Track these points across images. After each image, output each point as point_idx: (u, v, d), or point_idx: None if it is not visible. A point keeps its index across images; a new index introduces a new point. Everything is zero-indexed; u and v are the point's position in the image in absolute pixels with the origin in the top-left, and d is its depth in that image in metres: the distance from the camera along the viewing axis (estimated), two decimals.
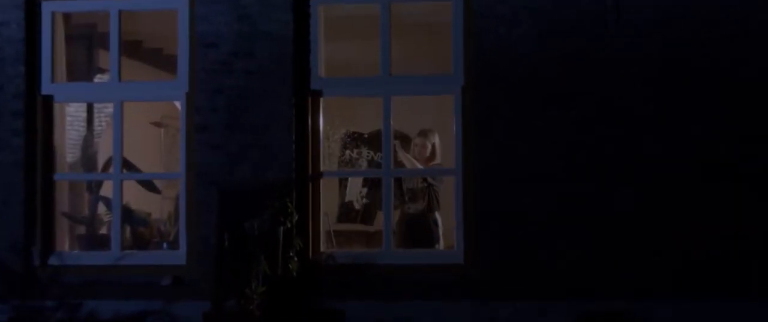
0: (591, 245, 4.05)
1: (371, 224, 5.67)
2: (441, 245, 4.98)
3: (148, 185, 5.35)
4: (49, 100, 4.44)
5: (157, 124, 6.86)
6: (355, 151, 6.07)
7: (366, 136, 6.12)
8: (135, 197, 5.16)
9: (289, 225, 4.02)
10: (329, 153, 6.67)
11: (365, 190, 5.62)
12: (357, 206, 5.59)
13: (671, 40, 4.06)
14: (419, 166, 4.95)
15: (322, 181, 4.36)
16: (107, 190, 4.84)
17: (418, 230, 4.94)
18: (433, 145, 5.01)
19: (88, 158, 5.34)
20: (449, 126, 4.31)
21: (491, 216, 4.09)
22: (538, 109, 4.10)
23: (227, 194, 4.18)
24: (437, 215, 5.03)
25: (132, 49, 5.73)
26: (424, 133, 5.03)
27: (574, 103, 4.11)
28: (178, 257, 4.33)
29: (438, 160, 5.04)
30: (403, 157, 4.97)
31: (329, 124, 6.43)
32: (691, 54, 4.05)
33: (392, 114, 4.30)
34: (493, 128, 4.12)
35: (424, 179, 4.92)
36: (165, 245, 4.90)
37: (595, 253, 4.04)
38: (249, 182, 4.17)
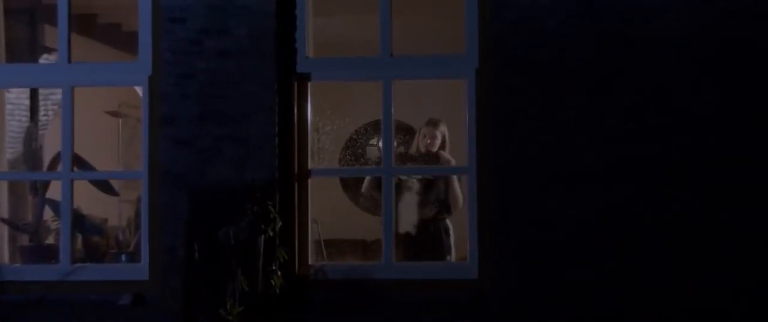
0: (632, 259, 4.00)
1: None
2: (452, 256, 4.93)
3: (104, 185, 5.29)
4: None
5: (115, 114, 6.82)
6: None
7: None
8: (88, 200, 5.11)
9: (271, 233, 3.98)
10: (319, 148, 6.65)
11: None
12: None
13: (729, 13, 3.99)
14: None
15: (310, 181, 4.30)
16: (55, 192, 4.77)
17: (425, 240, 4.90)
18: (444, 137, 5.00)
19: (31, 154, 5.30)
20: (461, 116, 4.26)
21: (511, 223, 4.06)
22: (568, 97, 4.05)
23: (198, 196, 4.14)
24: (448, 222, 4.98)
25: (84, 24, 5.69)
26: (433, 123, 5.03)
27: (611, 90, 4.05)
28: (140, 271, 4.28)
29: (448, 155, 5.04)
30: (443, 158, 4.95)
31: (319, 114, 6.38)
32: (753, 30, 3.97)
33: (394, 102, 4.24)
34: (513, 119, 4.09)
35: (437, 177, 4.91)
36: (124, 257, 4.83)
37: (637, 269, 4.01)
38: (224, 182, 4.13)
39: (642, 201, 3.99)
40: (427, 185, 4.95)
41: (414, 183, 4.97)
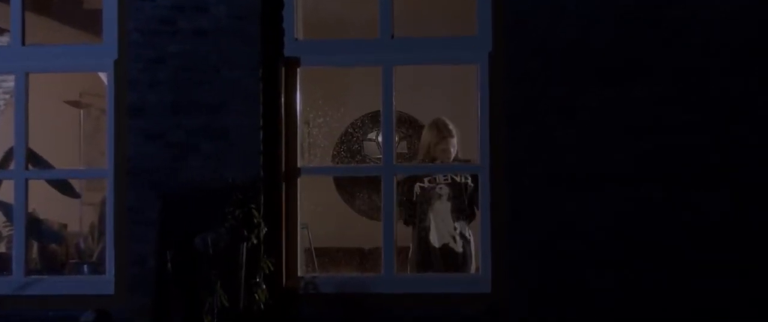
0: (662, 268, 4.00)
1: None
2: (472, 268, 4.95)
3: (63, 186, 5.30)
4: None
5: (75, 105, 6.83)
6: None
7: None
8: (45, 202, 5.11)
9: (254, 241, 3.99)
10: (310, 143, 6.66)
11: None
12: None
13: None
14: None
15: (299, 180, 4.30)
16: (7, 193, 4.76)
17: (443, 250, 4.89)
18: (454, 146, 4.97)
19: None
20: (471, 107, 4.25)
21: (528, 229, 4.05)
22: (592, 86, 4.06)
23: (171, 198, 4.14)
24: (468, 229, 4.99)
25: (40, 1, 5.67)
26: (445, 132, 4.89)
27: (641, 78, 4.04)
28: (104, 284, 4.28)
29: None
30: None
31: (310, 104, 6.38)
32: None
33: (395, 90, 4.23)
34: (530, 111, 4.09)
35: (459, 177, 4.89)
36: (86, 268, 4.84)
37: (669, 279, 3.99)
38: (200, 182, 4.13)
39: (673, 203, 4.00)
40: (458, 189, 4.91)
41: (443, 189, 4.94)
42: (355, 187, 6.91)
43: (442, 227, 4.94)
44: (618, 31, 4.05)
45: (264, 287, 4.01)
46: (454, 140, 4.94)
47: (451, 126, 4.96)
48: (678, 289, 4.00)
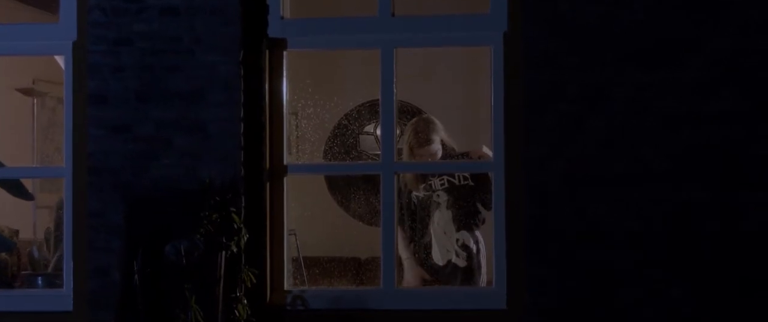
0: (704, 283, 4.00)
1: None
2: (483, 279, 4.96)
3: (14, 186, 5.30)
4: None
5: (28, 93, 6.83)
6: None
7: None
8: None
9: (234, 249, 4.00)
10: (298, 137, 6.67)
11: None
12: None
13: None
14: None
15: (286, 180, 4.32)
16: None
17: (446, 268, 4.91)
18: (443, 143, 4.93)
19: None
20: (484, 95, 4.28)
21: (548, 235, 4.07)
22: (622, 70, 4.06)
23: (138, 201, 4.16)
24: (479, 235, 5.00)
25: None
26: (424, 139, 4.85)
27: (678, 61, 4.06)
28: (61, 299, 4.29)
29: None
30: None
31: (298, 93, 6.40)
32: None
33: (396, 77, 4.24)
34: (552, 99, 4.10)
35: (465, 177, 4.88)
36: (40, 281, 4.85)
37: (712, 297, 3.99)
38: (172, 182, 4.15)
39: (717, 205, 4.00)
40: (457, 193, 4.92)
41: (442, 196, 4.90)
42: (350, 187, 6.93)
43: (445, 241, 4.95)
44: (652, 8, 4.04)
45: (245, 302, 4.03)
46: (435, 146, 4.89)
47: (433, 129, 4.91)
48: (722, 308, 4.01)
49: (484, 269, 4.97)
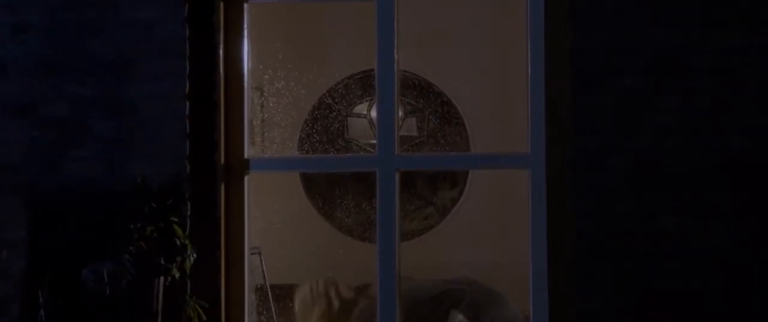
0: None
1: None
2: (508, 310, 4.98)
3: None
4: None
5: None
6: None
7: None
8: None
9: (177, 274, 4.01)
10: (265, 121, 6.66)
11: None
12: None
13: None
14: None
15: (248, 179, 4.34)
16: None
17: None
18: None
19: None
20: (515, 67, 4.28)
21: (603, 252, 4.09)
22: (704, 37, 4.09)
23: (46, 208, 4.18)
24: None
25: None
26: None
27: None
28: None
29: None
30: None
31: (264, 61, 6.40)
32: None
33: (398, 40, 4.25)
34: (609, 71, 4.12)
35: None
36: None
37: None
38: (92, 183, 4.17)
39: None
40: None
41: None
42: (334, 189, 6.92)
43: None
44: None
45: None
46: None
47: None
48: None
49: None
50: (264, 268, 5.80)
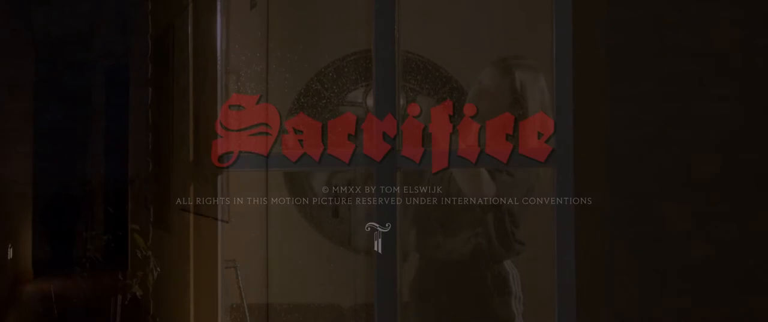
0: None
1: None
2: None
3: None
4: None
5: None
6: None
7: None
8: None
9: (138, 291, 4.03)
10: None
11: None
12: None
13: None
14: None
15: (222, 179, 4.34)
16: None
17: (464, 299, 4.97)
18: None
19: None
20: (539, 48, 4.34)
21: (640, 265, 4.15)
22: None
23: None
24: (511, 266, 5.05)
25: None
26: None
27: None
28: None
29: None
30: None
31: (241, 38, 6.48)
32: None
33: (400, 13, 4.32)
34: (648, 54, 4.15)
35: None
36: None
37: None
38: (33, 182, 4.17)
39: None
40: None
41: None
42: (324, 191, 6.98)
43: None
44: None
45: None
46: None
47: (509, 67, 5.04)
48: None
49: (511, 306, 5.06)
50: (241, 284, 5.84)
